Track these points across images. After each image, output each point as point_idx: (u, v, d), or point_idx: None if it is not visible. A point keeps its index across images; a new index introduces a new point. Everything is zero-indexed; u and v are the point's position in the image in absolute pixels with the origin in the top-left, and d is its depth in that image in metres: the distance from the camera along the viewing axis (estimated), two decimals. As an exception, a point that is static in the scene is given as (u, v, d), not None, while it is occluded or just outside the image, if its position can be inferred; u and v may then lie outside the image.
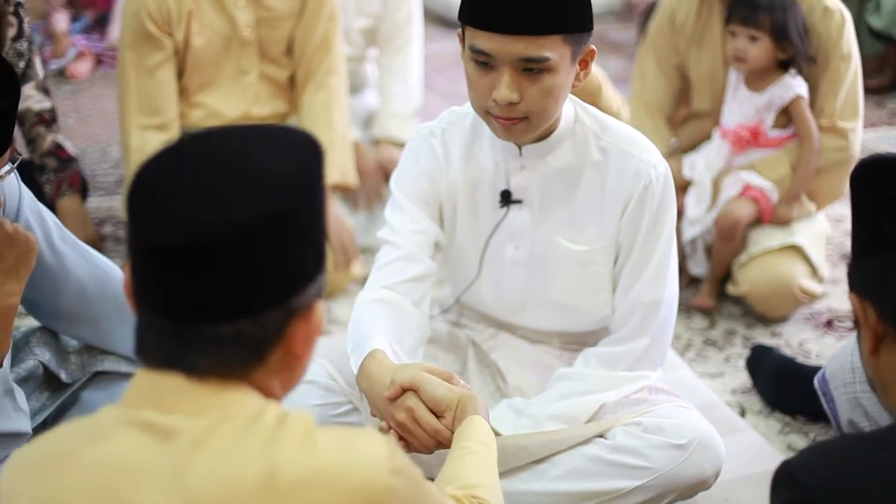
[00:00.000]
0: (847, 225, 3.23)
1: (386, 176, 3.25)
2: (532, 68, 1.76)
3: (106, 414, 1.13)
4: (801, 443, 2.44)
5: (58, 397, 1.97)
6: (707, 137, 3.08)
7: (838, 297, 3.00)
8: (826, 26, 2.85)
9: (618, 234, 1.95)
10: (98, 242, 3.16)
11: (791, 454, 2.14)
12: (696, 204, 3.00)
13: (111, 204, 3.56)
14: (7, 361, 1.77)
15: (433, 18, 5.16)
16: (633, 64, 3.76)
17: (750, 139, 2.93)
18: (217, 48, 2.97)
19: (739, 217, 2.91)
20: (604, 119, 1.95)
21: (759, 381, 2.61)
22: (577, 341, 2.09)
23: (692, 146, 3.12)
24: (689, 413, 1.97)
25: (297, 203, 1.10)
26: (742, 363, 2.70)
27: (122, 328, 1.99)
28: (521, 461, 1.91)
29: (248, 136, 1.15)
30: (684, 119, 3.19)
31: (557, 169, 1.94)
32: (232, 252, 1.06)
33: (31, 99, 3.04)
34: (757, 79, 2.90)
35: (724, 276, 3.01)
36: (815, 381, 2.25)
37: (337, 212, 3.09)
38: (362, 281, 2.20)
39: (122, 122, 3.01)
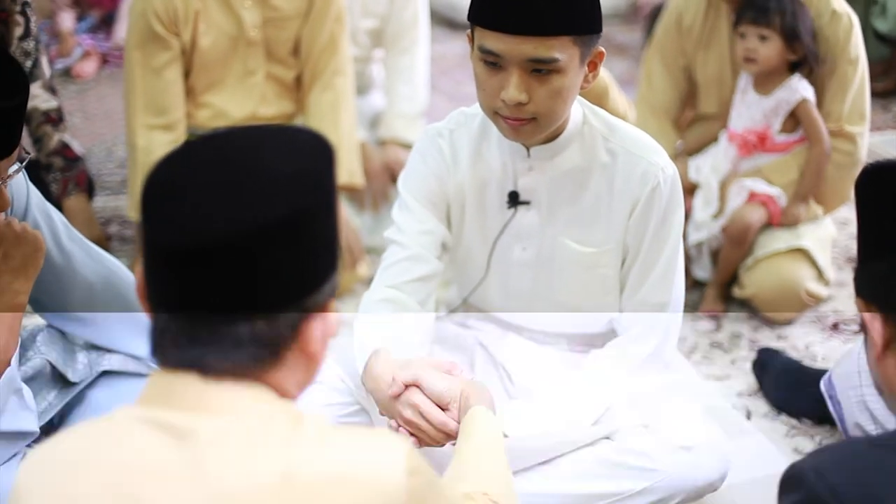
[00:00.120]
0: (852, 228, 3.22)
1: (392, 177, 3.25)
2: (541, 69, 1.75)
3: (121, 414, 1.13)
4: (807, 446, 2.43)
5: (65, 396, 1.97)
6: (713, 140, 3.07)
7: (844, 301, 3.00)
8: (834, 30, 2.85)
9: (625, 236, 1.95)
10: (104, 242, 3.15)
11: (797, 457, 2.14)
12: (703, 207, 3.00)
13: (117, 203, 3.56)
14: (15, 360, 1.77)
15: (439, 20, 5.16)
16: (638, 66, 3.76)
17: (757, 143, 2.93)
18: (224, 48, 2.97)
19: (750, 222, 2.90)
20: (612, 121, 1.95)
21: (766, 384, 2.60)
22: (584, 343, 2.09)
23: (698, 149, 3.12)
24: (695, 416, 1.97)
25: (310, 203, 1.10)
26: (748, 366, 2.70)
27: (129, 327, 1.99)
28: (528, 462, 1.91)
29: (259, 137, 1.15)
30: (690, 121, 3.18)
31: (565, 170, 1.94)
32: (247, 252, 1.06)
33: (38, 98, 3.04)
34: (765, 81, 2.89)
35: (729, 281, 3.01)
36: (822, 385, 2.25)
37: (342, 212, 3.09)
38: (368, 281, 2.19)
39: (128, 122, 3.01)
